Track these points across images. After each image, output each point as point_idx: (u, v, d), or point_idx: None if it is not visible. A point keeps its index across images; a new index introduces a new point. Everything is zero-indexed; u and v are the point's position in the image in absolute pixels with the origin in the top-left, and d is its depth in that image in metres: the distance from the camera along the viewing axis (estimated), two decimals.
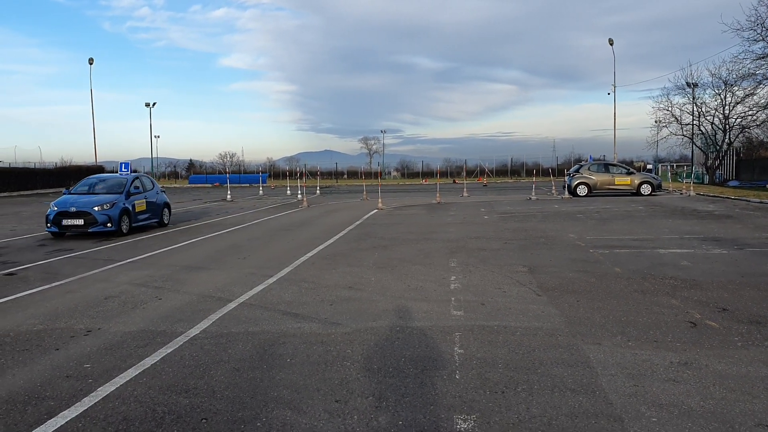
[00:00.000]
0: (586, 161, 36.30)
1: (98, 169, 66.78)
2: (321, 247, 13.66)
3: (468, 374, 5.28)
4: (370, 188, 39.68)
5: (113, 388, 5.08)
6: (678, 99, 60.08)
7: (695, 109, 44.94)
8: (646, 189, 30.70)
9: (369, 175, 72.98)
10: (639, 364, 5.43)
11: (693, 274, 9.65)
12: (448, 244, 13.83)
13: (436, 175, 48.41)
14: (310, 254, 12.51)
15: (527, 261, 11.19)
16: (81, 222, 16.31)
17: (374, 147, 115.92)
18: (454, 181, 67.72)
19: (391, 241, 14.63)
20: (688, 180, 38.41)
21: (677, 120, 45.85)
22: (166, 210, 19.77)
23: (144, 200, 18.25)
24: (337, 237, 15.53)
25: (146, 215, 18.35)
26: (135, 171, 23.37)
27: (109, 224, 16.41)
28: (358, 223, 19.45)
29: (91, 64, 69.07)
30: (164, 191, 20.19)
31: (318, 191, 43.18)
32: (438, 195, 30.64)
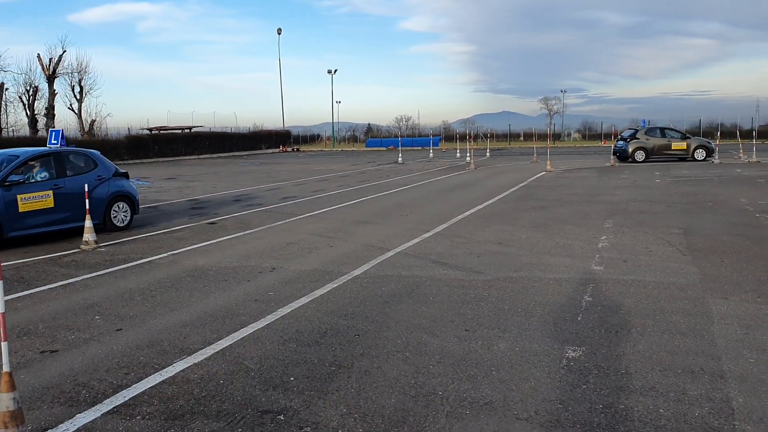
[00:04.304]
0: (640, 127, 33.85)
1: (285, 134, 72.07)
2: (480, 206, 14.38)
3: (589, 317, 5.86)
4: (541, 150, 39.30)
5: (289, 310, 6.34)
6: None
7: None
8: (700, 154, 30.07)
9: (545, 136, 71.38)
10: (759, 318, 5.66)
11: None
12: (609, 206, 13.92)
13: (613, 137, 46.39)
14: (467, 213, 13.31)
15: (685, 224, 11.12)
16: None
17: (555, 107, 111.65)
18: None
19: (552, 202, 14.96)
20: None
21: None
22: (122, 204, 12.57)
23: (50, 193, 11.19)
24: (497, 198, 16.14)
25: (51, 217, 11.23)
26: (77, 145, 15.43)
27: None
28: (522, 184, 19.83)
29: (279, 34, 74.26)
30: (125, 175, 13.01)
31: (488, 153, 43.54)
32: (612, 158, 29.80)
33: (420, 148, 60.92)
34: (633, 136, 31.06)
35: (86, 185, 11.28)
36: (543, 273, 7.70)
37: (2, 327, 3.71)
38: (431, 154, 44.71)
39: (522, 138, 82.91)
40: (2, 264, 3.88)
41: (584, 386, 4.32)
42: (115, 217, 12.39)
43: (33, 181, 11.18)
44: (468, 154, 35.14)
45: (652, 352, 4.88)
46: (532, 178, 22.15)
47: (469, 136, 47.56)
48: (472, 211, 13.68)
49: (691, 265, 7.86)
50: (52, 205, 11.24)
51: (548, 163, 26.80)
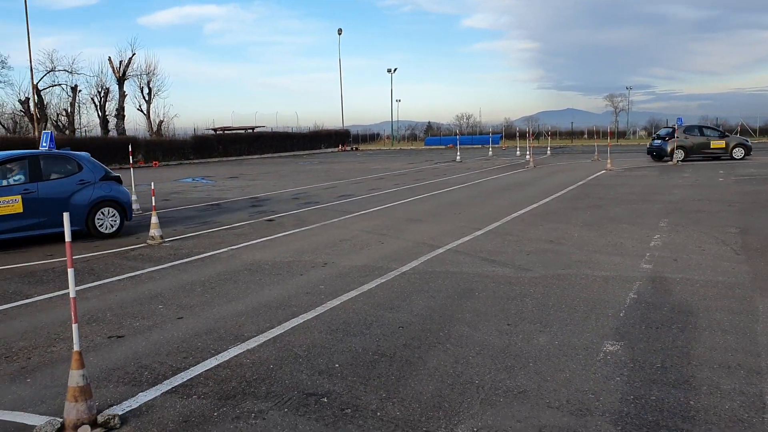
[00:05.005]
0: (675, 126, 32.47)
1: (344, 133, 72.90)
2: (535, 205, 14.38)
3: (632, 314, 5.92)
4: (602, 148, 38.60)
5: (338, 303, 6.63)
6: None
7: None
8: (738, 152, 29.58)
9: (609, 134, 69.95)
10: None
11: None
12: (666, 205, 13.71)
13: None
14: (521, 211, 13.35)
15: (743, 223, 10.89)
16: None
17: (621, 104, 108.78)
18: None
19: (609, 201, 14.82)
20: None
21: None
22: (109, 210, 11.80)
23: (17, 198, 10.69)
24: (553, 197, 16.07)
25: (17, 223, 10.70)
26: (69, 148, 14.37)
27: None
28: (580, 183, 19.64)
29: (339, 34, 75.10)
30: (116, 179, 12.21)
31: (549, 151, 43.04)
32: (675, 156, 29.08)
33: (480, 146, 60.64)
34: (671, 135, 30.42)
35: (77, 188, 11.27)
36: (591, 271, 7.75)
37: (73, 310, 4.10)
38: (490, 153, 44.53)
39: (585, 136, 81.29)
40: (74, 257, 4.30)
41: (618, 378, 4.42)
42: (100, 223, 11.62)
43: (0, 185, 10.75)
44: (528, 152, 34.86)
45: (690, 348, 4.93)
46: (590, 177, 21.89)
47: (530, 134, 47.18)
48: (527, 209, 13.70)
49: (743, 264, 7.76)
50: (20, 210, 10.70)
51: (609, 161, 26.39)
